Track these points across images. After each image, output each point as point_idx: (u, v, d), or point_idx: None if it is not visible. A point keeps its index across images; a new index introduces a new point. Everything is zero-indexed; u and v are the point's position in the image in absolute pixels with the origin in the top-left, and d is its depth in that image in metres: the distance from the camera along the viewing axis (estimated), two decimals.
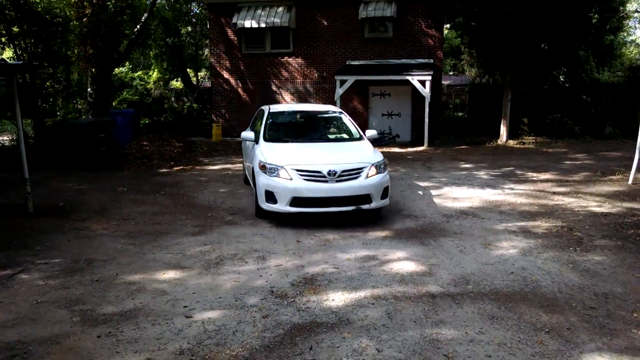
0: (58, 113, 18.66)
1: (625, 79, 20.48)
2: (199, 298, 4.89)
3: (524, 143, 17.52)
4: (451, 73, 33.12)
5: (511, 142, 17.51)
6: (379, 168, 7.50)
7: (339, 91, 16.75)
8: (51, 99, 17.15)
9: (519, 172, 11.95)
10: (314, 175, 7.12)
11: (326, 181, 7.10)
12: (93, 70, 16.74)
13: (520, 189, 9.94)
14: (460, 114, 25.89)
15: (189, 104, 25.21)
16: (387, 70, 17.26)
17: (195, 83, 28.49)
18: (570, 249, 6.30)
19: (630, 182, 10.25)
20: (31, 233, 7.08)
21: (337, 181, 7.12)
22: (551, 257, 6.00)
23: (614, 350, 3.92)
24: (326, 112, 9.61)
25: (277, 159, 7.41)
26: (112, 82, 21.01)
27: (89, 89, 17.14)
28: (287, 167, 7.20)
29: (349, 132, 8.82)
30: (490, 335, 4.15)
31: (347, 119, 9.11)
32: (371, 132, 8.71)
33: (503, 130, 17.77)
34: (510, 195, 9.44)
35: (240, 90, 19.32)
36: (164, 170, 12.50)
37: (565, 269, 5.62)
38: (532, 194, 9.48)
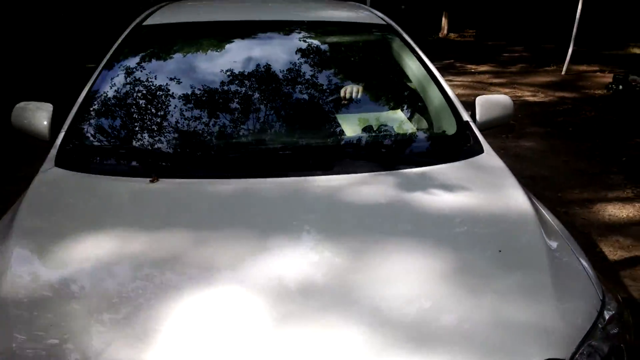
0: None
1: None
2: None
3: (464, 36, 17.40)
4: None
5: (452, 35, 17.35)
6: None
7: None
8: None
9: (458, 64, 11.90)
10: None
11: None
12: None
13: (459, 81, 9.92)
14: (402, 6, 25.19)
15: None
16: None
17: None
18: (503, 136, 6.40)
19: (563, 72, 10.43)
20: None
21: None
22: None
23: None
24: (336, 29, 2.97)
25: None
26: None
27: None
28: None
29: (435, 115, 2.39)
30: None
31: (407, 54, 2.72)
32: (500, 100, 2.48)
33: (444, 22, 17.51)
34: (449, 87, 9.41)
35: None
36: None
37: (497, 154, 5.71)
38: (470, 85, 9.49)
